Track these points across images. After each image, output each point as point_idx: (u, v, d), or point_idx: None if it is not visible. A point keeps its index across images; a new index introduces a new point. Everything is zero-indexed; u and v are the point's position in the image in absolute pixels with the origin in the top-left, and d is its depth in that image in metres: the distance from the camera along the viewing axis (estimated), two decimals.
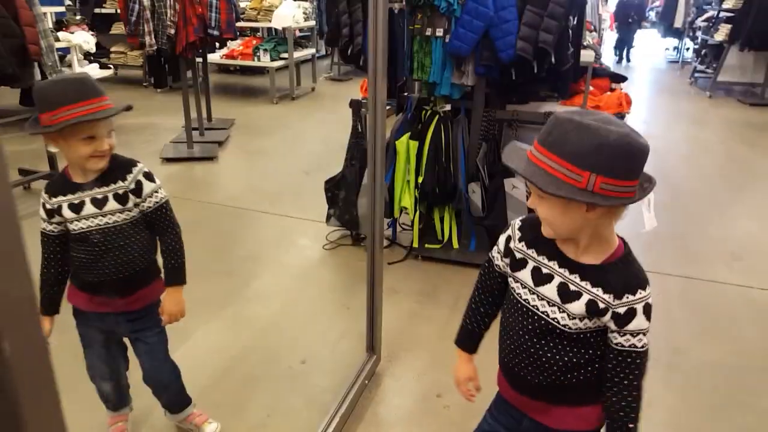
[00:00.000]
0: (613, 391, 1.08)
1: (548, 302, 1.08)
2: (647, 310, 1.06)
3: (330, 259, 3.09)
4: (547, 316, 1.08)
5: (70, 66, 5.50)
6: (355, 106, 3.10)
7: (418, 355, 2.25)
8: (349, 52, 2.87)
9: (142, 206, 1.46)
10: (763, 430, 1.94)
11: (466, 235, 3.14)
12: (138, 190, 1.44)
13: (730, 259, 3.15)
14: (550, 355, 1.10)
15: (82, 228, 1.41)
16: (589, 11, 7.13)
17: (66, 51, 5.35)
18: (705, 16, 8.61)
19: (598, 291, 1.04)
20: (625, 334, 1.06)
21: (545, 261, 1.09)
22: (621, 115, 4.16)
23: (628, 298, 1.04)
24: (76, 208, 1.40)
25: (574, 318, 1.06)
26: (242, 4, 7.05)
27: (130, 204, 1.44)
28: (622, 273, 1.05)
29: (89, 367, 1.61)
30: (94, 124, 1.32)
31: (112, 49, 7.35)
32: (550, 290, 1.08)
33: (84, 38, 5.62)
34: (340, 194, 3.15)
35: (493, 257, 1.23)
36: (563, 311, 1.07)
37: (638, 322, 1.05)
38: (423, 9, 2.75)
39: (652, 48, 12.43)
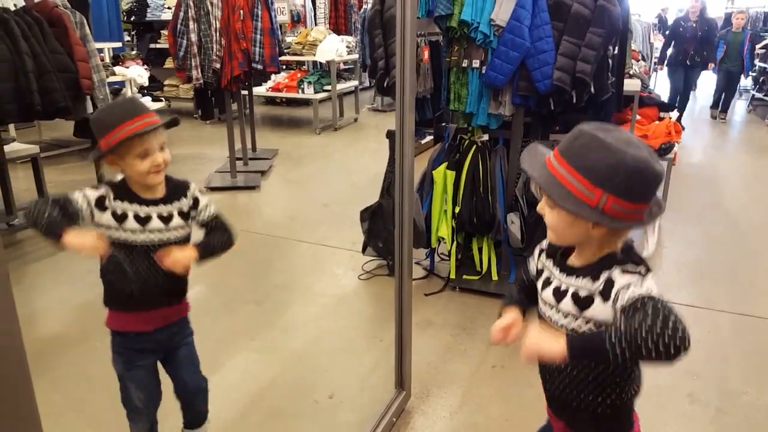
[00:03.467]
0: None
1: (548, 302, 1.10)
2: (627, 271, 0.99)
3: (365, 289, 3.07)
4: (553, 322, 1.09)
5: None
6: (392, 136, 3.12)
7: (452, 392, 2.18)
8: (385, 84, 2.90)
9: (199, 218, 1.53)
10: None
11: (505, 267, 3.06)
12: (196, 205, 1.53)
13: None
14: (578, 372, 1.09)
15: (144, 241, 1.46)
16: (639, 39, 7.10)
17: (122, 84, 5.67)
18: (763, 43, 8.36)
19: (580, 281, 1.04)
20: (617, 297, 0.97)
21: (552, 267, 1.12)
22: (671, 144, 4.01)
23: (602, 275, 1.01)
24: (143, 221, 1.46)
25: (566, 314, 1.06)
26: (288, 39, 7.33)
27: (190, 219, 1.52)
28: (604, 263, 1.03)
29: (132, 400, 1.57)
30: (145, 140, 1.40)
31: (165, 82, 7.75)
32: (548, 292, 1.10)
33: (138, 72, 5.95)
34: (377, 224, 3.15)
35: (529, 262, 1.24)
36: (558, 308, 1.08)
37: (621, 279, 0.98)
38: (460, 41, 2.76)
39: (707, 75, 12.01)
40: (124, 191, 1.47)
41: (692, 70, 7.02)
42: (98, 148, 1.42)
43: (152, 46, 7.85)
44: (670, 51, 7.16)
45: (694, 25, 6.82)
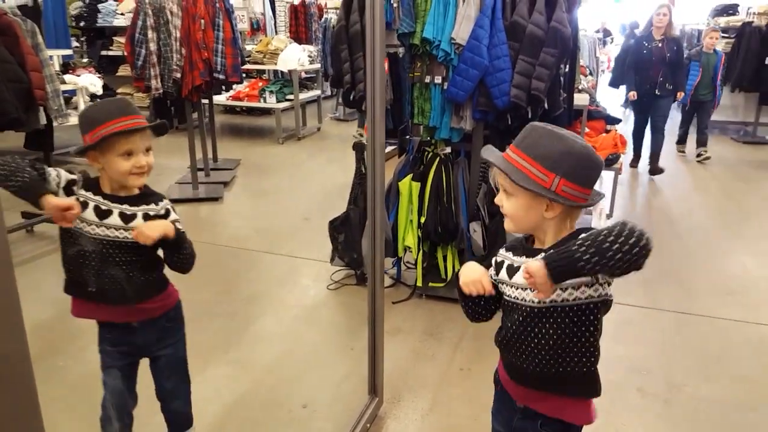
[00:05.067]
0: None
1: (522, 288, 1.18)
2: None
3: (334, 299, 3.11)
4: (524, 300, 1.18)
5: (76, 108, 5.62)
6: (359, 148, 3.19)
7: (422, 395, 2.25)
8: (351, 97, 2.97)
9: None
10: None
11: None
12: (166, 216, 1.52)
13: (726, 294, 3.17)
14: (537, 340, 1.17)
15: (99, 235, 1.45)
16: (586, 55, 7.27)
17: (72, 93, 5.49)
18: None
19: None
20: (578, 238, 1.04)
21: (515, 257, 1.22)
22: (616, 156, 4.24)
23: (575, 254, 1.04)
24: (102, 214, 1.45)
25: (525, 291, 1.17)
26: (248, 47, 7.28)
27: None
28: (564, 240, 1.12)
29: (106, 400, 1.56)
30: (130, 140, 1.41)
31: (119, 90, 7.54)
32: (519, 276, 1.18)
33: (90, 80, 5.77)
34: (344, 234, 3.20)
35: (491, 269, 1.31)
36: (526, 290, 1.16)
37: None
38: (422, 57, 2.86)
39: None
40: (93, 184, 1.48)
41: (662, 100, 5.42)
42: (83, 143, 1.43)
43: (104, 53, 7.62)
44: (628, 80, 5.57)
45: (660, 45, 5.31)
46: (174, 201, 4.80)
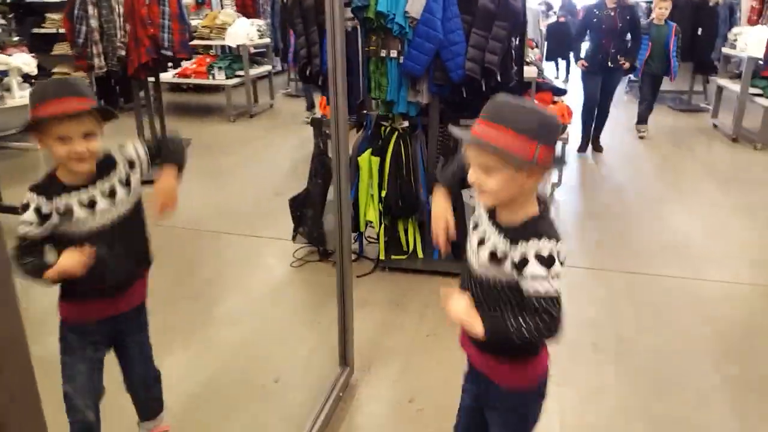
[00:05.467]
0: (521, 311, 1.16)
1: (474, 252, 1.23)
2: (540, 258, 1.12)
3: (298, 276, 3.11)
4: (473, 267, 1.23)
5: (9, 90, 5.27)
6: (317, 124, 3.16)
7: (391, 363, 2.31)
8: (307, 72, 2.92)
9: (144, 168, 1.49)
10: (702, 405, 2.11)
11: (429, 245, 3.23)
12: (132, 163, 1.47)
13: (667, 253, 3.38)
14: (479, 306, 1.21)
15: (97, 226, 1.40)
16: (530, 27, 7.37)
17: (4, 74, 5.13)
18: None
19: (503, 240, 1.17)
20: (525, 279, 1.13)
21: (484, 229, 1.23)
22: (563, 126, 4.37)
23: (522, 246, 1.13)
24: (91, 204, 1.39)
25: (484, 262, 1.19)
26: (194, 23, 6.97)
27: (134, 183, 1.46)
28: (529, 227, 1.16)
29: (72, 393, 1.49)
30: (65, 124, 1.31)
31: (56, 70, 7.08)
32: (483, 252, 1.20)
33: (24, 60, 5.39)
34: (306, 211, 3.19)
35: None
36: (479, 255, 1.21)
37: (532, 268, 1.12)
38: (377, 32, 2.84)
39: None
40: (53, 185, 1.39)
41: (613, 73, 5.21)
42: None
43: (35, 30, 7.11)
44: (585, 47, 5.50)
45: (612, 14, 5.04)
46: None
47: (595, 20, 5.16)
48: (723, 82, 6.46)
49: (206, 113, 7.10)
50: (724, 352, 2.44)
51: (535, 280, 1.11)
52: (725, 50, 6.69)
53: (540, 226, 1.15)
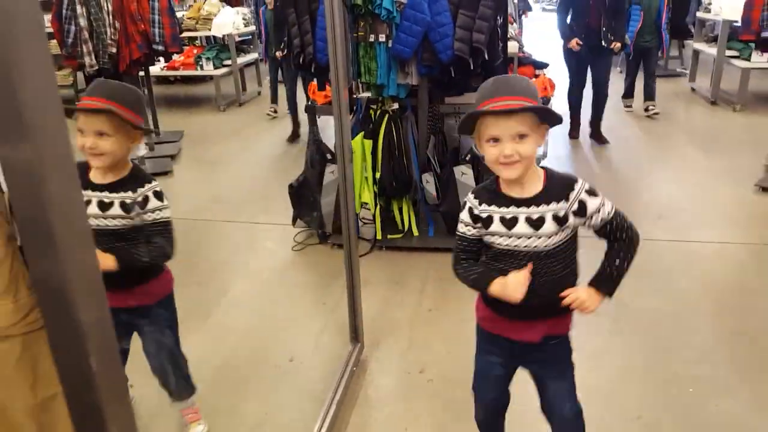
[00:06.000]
0: (613, 247, 1.40)
1: (526, 236, 1.30)
2: (590, 192, 1.32)
3: (300, 259, 3.17)
4: (530, 247, 1.30)
5: None
6: (311, 110, 3.18)
7: (398, 337, 2.40)
8: (301, 61, 2.94)
9: (143, 217, 1.52)
10: (702, 361, 2.21)
11: (424, 223, 3.30)
12: (144, 203, 1.51)
13: (657, 218, 3.48)
14: (545, 277, 1.32)
15: (100, 226, 1.49)
16: (508, 3, 7.33)
17: None
18: None
19: (552, 206, 1.29)
20: (591, 217, 1.31)
21: (505, 210, 1.31)
22: (546, 99, 4.40)
23: (571, 196, 1.29)
24: (100, 206, 1.49)
25: (551, 236, 1.30)
26: (179, 14, 6.87)
27: (133, 214, 1.50)
28: (557, 185, 1.30)
29: None
30: (82, 118, 1.44)
31: None
32: (521, 227, 1.29)
33: None
34: (304, 196, 3.23)
35: (463, 232, 1.39)
36: (540, 237, 1.29)
37: (591, 203, 1.30)
38: (365, 17, 2.85)
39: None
40: (81, 175, 1.45)
41: (603, 55, 4.66)
42: None
43: None
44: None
45: None
46: None
47: None
48: (699, 46, 6.52)
49: (196, 104, 7.05)
50: (718, 309, 2.54)
51: (604, 208, 1.31)
52: (700, 14, 6.73)
53: (564, 177, 1.32)
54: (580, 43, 4.59)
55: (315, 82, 3.60)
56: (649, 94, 5.63)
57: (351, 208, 2.00)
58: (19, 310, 0.72)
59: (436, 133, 3.23)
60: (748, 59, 5.67)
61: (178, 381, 1.76)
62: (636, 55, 5.42)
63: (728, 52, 5.87)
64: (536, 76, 4.76)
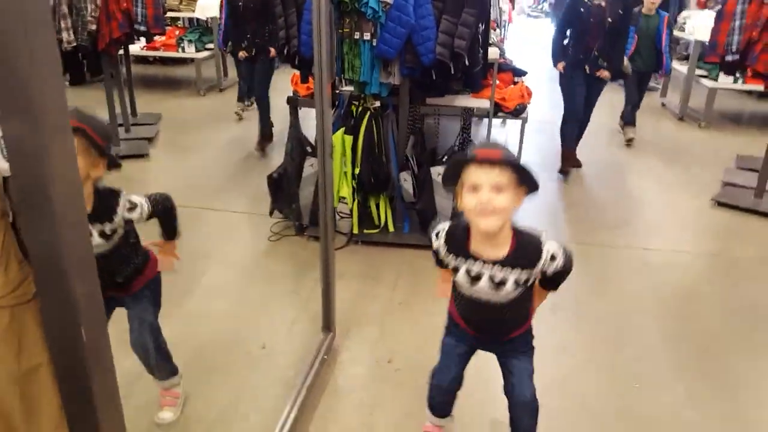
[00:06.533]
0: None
1: (485, 292, 1.43)
2: (554, 256, 1.42)
3: (275, 249, 3.19)
4: (489, 298, 1.44)
5: None
6: (293, 102, 3.19)
7: (368, 329, 2.45)
8: (285, 52, 2.95)
9: (137, 221, 1.62)
10: (649, 357, 2.36)
11: (399, 219, 3.35)
12: (133, 207, 1.59)
13: (616, 226, 3.62)
14: (507, 317, 1.49)
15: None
16: (492, 9, 7.37)
17: None
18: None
19: (516, 272, 1.40)
20: (547, 270, 1.45)
21: (470, 265, 1.42)
22: (523, 106, 4.50)
23: (537, 264, 1.41)
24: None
25: (510, 293, 1.42)
26: None
27: (116, 236, 1.57)
28: (524, 251, 1.40)
29: None
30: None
31: None
32: (483, 284, 1.41)
33: None
34: (283, 187, 3.25)
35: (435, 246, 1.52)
36: (500, 294, 1.42)
37: (553, 266, 1.43)
38: (350, 14, 2.88)
39: (546, 38, 13.20)
40: None
41: (597, 80, 4.19)
42: None
43: None
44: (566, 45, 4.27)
45: (603, 4, 3.93)
46: None
47: (582, 10, 4.00)
48: (672, 63, 6.74)
49: (175, 86, 6.93)
50: (664, 312, 2.69)
51: (558, 263, 1.43)
52: (675, 33, 6.95)
53: (531, 242, 1.41)
54: (562, 68, 4.23)
55: (298, 73, 3.61)
56: (630, 120, 5.27)
57: (329, 201, 2.04)
58: (8, 284, 0.74)
59: (415, 133, 3.28)
60: (715, 80, 5.90)
61: (158, 358, 1.78)
62: (633, 78, 5.01)
63: (698, 71, 6.10)
64: (515, 83, 4.87)
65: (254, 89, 4.75)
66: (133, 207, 1.57)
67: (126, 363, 1.81)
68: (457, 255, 1.43)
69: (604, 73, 4.14)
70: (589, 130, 4.71)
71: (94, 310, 0.64)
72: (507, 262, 1.39)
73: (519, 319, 1.54)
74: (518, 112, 4.39)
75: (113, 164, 1.51)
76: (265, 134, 4.69)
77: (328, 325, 2.25)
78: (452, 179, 1.37)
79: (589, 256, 3.24)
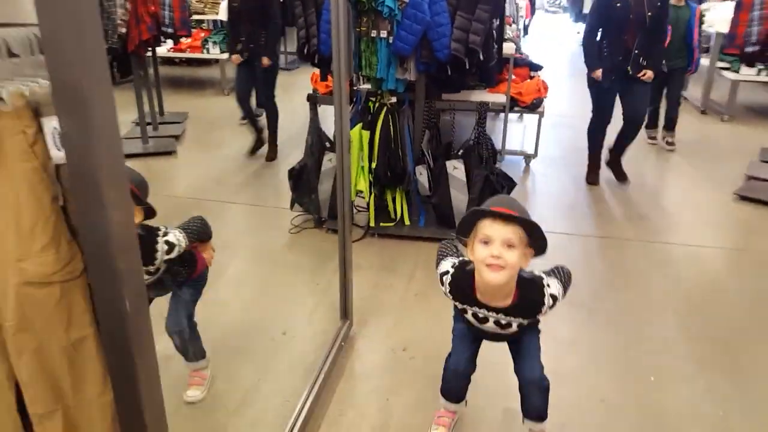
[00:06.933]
0: None
1: (493, 328, 1.57)
2: (553, 303, 1.55)
3: (296, 241, 3.29)
4: (497, 332, 1.61)
5: None
6: (312, 99, 3.28)
7: (384, 318, 2.53)
8: (305, 51, 3.03)
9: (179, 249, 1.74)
10: (668, 351, 2.36)
11: (415, 213, 3.42)
12: (171, 247, 1.69)
13: (637, 219, 3.62)
14: (509, 336, 1.64)
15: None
16: (507, 4, 7.33)
17: None
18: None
19: (520, 319, 1.55)
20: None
21: (477, 309, 1.55)
22: (540, 100, 4.51)
23: (540, 312, 1.56)
24: None
25: (516, 331, 1.58)
26: None
27: (160, 270, 1.73)
28: (527, 302, 1.52)
29: None
30: None
31: None
32: (490, 325, 1.56)
33: None
34: (303, 181, 3.34)
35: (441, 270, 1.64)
36: (507, 330, 1.57)
37: (556, 302, 1.57)
38: (367, 13, 2.95)
39: (565, 33, 13.08)
40: None
41: (636, 82, 3.72)
42: None
43: None
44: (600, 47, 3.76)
45: None
46: (125, 156, 4.75)
47: (618, 5, 3.56)
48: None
49: (200, 86, 7.11)
50: (686, 307, 2.68)
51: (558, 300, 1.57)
52: None
53: (533, 292, 1.52)
54: (599, 77, 3.74)
55: (318, 72, 3.70)
56: (670, 124, 4.82)
57: (347, 195, 2.12)
58: (60, 261, 0.83)
59: (431, 128, 3.33)
60: (737, 71, 5.80)
61: (190, 341, 1.90)
62: (660, 77, 4.16)
63: (719, 64, 5.99)
64: (531, 78, 4.88)
65: (257, 97, 4.53)
66: (171, 248, 1.67)
67: (157, 347, 1.92)
68: (464, 302, 1.56)
69: (648, 74, 3.67)
70: (586, 116, 4.52)
71: (135, 284, 0.73)
72: (511, 312, 1.52)
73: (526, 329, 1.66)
74: (535, 106, 4.41)
75: (150, 213, 1.60)
76: (265, 140, 4.54)
77: (345, 313, 2.34)
78: (467, 229, 1.46)
79: (607, 248, 3.26)
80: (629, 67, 3.65)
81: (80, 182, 0.66)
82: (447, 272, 1.57)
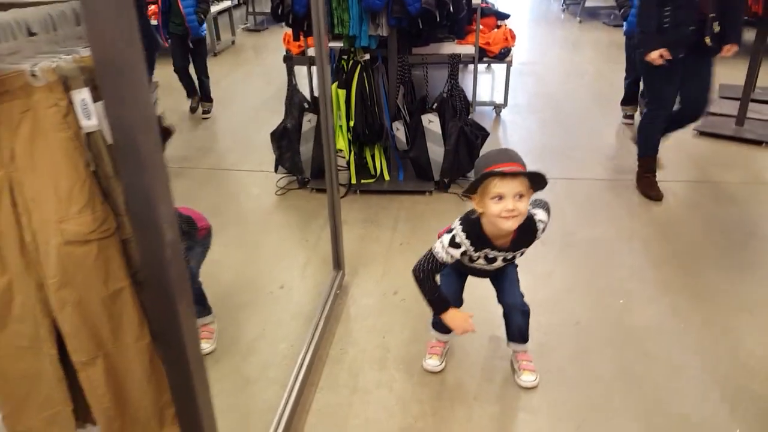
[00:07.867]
0: None
1: (481, 265, 1.77)
2: (542, 220, 1.76)
3: (282, 203, 3.36)
4: (484, 269, 1.82)
5: None
6: (289, 61, 3.28)
7: (374, 267, 2.67)
8: (279, 12, 3.02)
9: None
10: (629, 279, 2.57)
11: (394, 168, 3.51)
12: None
13: (604, 159, 3.78)
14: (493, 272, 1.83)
15: None
16: None
17: None
18: None
19: (521, 249, 1.76)
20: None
21: (489, 251, 1.71)
22: (508, 49, 4.56)
23: (536, 238, 1.76)
24: None
25: (501, 264, 1.81)
26: None
27: None
28: (525, 236, 1.72)
29: None
30: None
31: None
32: (498, 263, 1.77)
33: None
34: (284, 144, 3.38)
35: (442, 258, 1.71)
36: (492, 265, 1.77)
37: (546, 226, 1.78)
38: None
39: None
40: None
41: (706, 54, 2.88)
42: None
43: None
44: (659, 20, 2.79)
45: None
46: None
47: None
48: None
49: (167, 52, 6.87)
50: (650, 236, 2.89)
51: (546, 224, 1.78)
52: None
53: (530, 226, 1.71)
54: (663, 59, 2.77)
55: (290, 32, 3.66)
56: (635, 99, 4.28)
57: (332, 153, 2.19)
58: (96, 220, 0.91)
59: (405, 83, 3.38)
60: None
61: (196, 299, 2.00)
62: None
63: None
64: (498, 27, 4.89)
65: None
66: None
67: None
68: (482, 247, 1.70)
69: (734, 48, 2.84)
70: (572, 68, 4.66)
71: (173, 235, 0.82)
72: (513, 247, 1.71)
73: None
74: (503, 55, 4.46)
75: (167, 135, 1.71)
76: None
77: (338, 264, 2.46)
78: (474, 191, 1.60)
79: (575, 188, 3.43)
80: (707, 38, 2.73)
81: (126, 152, 0.74)
82: (455, 236, 1.68)
